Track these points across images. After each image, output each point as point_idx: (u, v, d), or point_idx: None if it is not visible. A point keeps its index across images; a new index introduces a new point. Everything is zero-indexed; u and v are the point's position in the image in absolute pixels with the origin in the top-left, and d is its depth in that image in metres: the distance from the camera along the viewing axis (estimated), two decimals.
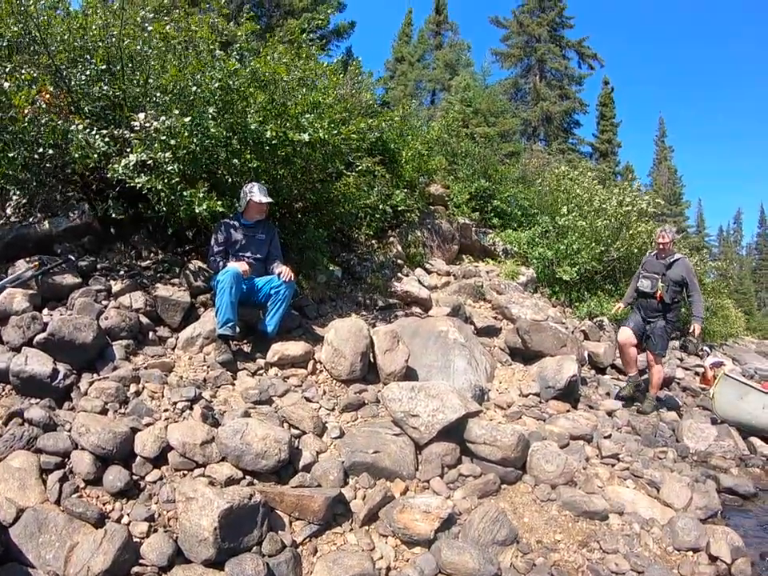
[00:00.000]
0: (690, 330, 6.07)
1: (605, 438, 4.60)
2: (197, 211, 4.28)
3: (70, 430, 3.11)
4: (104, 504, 2.85)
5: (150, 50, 4.98)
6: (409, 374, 4.56)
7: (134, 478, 3.01)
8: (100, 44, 4.90)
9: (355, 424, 3.91)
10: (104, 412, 3.31)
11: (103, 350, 3.80)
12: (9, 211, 4.78)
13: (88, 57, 4.91)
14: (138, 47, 4.95)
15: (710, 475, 4.44)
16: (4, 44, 4.78)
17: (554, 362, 5.53)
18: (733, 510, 4.13)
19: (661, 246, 6.08)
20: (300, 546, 2.92)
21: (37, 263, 4.23)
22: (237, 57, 5.31)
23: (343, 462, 3.42)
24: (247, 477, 3.16)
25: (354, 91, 7.30)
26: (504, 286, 7.71)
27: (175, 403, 3.53)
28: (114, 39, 4.87)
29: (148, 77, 4.93)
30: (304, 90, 5.45)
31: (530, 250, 9.13)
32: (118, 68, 4.90)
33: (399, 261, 7.10)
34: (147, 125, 4.27)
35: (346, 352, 4.32)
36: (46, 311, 3.99)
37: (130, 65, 5.01)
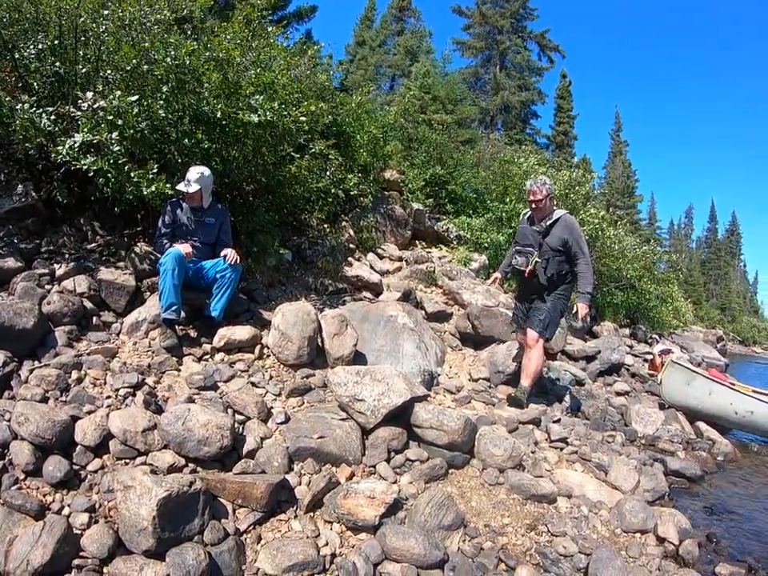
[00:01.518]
0: (573, 311, 4.81)
1: (553, 422, 4.68)
2: (144, 193, 4.18)
3: (9, 420, 3.00)
4: (44, 495, 2.78)
5: (105, 27, 4.80)
6: (357, 359, 4.58)
7: (75, 467, 2.94)
8: (53, 17, 4.71)
9: (301, 409, 3.89)
10: (44, 400, 3.23)
11: (45, 337, 3.70)
12: None
13: (39, 30, 4.73)
14: (94, 25, 4.76)
15: (658, 458, 4.58)
16: None
17: (504, 347, 5.61)
18: (680, 493, 4.26)
19: (534, 206, 4.83)
20: (244, 534, 2.89)
21: None
22: (193, 36, 5.21)
23: (288, 448, 3.39)
24: (190, 464, 3.11)
25: (309, 73, 7.21)
26: (456, 272, 7.79)
27: (117, 390, 3.47)
28: (67, 14, 4.66)
29: (101, 53, 4.78)
30: (258, 70, 5.35)
31: (483, 235, 9.23)
32: (70, 43, 4.71)
33: (351, 245, 7.10)
34: (94, 104, 4.13)
35: (293, 336, 4.31)
36: None
37: (83, 39, 4.82)
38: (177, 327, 4.19)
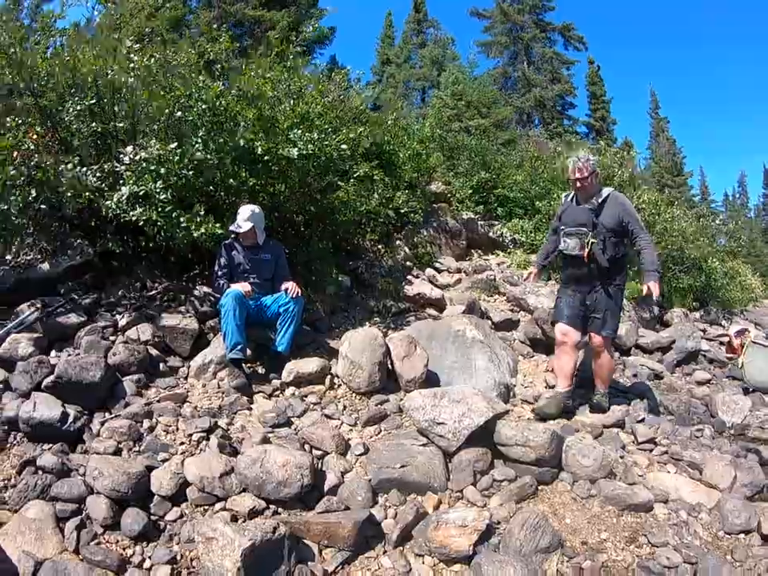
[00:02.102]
0: (645, 291, 4.24)
1: (638, 422, 4.39)
2: (195, 236, 4.21)
3: (84, 474, 2.99)
4: (124, 549, 2.72)
5: (135, 81, 4.90)
6: (430, 379, 4.43)
7: (153, 518, 2.88)
8: (89, 79, 4.83)
9: (379, 437, 3.76)
10: (117, 452, 3.20)
11: (113, 388, 3.71)
12: (9, 257, 4.72)
13: (76, 93, 4.85)
14: (124, 79, 4.85)
15: (751, 449, 4.18)
16: None
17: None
18: None
19: (579, 184, 4.34)
20: None
21: (40, 305, 4.16)
22: (221, 77, 5.26)
23: (370, 480, 3.25)
24: (271, 506, 3.00)
25: (342, 98, 7.20)
26: (517, 276, 7.54)
27: (190, 435, 3.41)
28: (101, 72, 4.79)
29: (135, 107, 4.86)
30: (291, 101, 5.36)
31: (537, 236, 8.94)
32: (107, 101, 4.83)
33: (408, 263, 7.00)
34: (136, 156, 4.22)
35: (362, 363, 4.20)
36: (53, 353, 3.92)
37: (118, 96, 4.93)
38: (244, 366, 4.16)
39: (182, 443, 3.37)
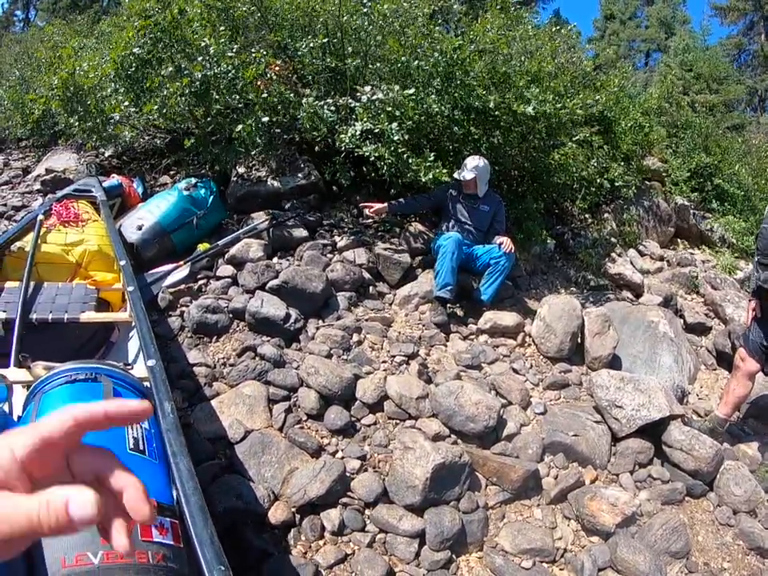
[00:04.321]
0: None
1: None
2: (423, 180, 4.44)
3: (297, 368, 3.40)
4: (321, 438, 3.09)
5: (369, 25, 5.19)
6: (613, 362, 4.39)
7: (352, 419, 3.24)
8: (320, 20, 5.26)
9: (558, 403, 3.87)
10: (329, 356, 3.57)
11: (328, 300, 4.11)
12: (241, 170, 5.31)
13: (309, 31, 5.28)
14: (359, 22, 5.19)
15: None
16: (229, 25, 5.34)
17: (761, 377, 4.76)
18: None
19: None
20: (490, 510, 3.02)
21: (270, 216, 4.69)
22: (454, 29, 5.36)
23: (543, 439, 3.41)
24: (452, 436, 3.28)
25: (574, 58, 6.93)
26: (720, 280, 6.90)
27: (393, 356, 3.74)
28: (333, 15, 5.16)
29: (368, 49, 5.17)
30: (522, 58, 5.37)
31: (746, 240, 8.07)
32: (336, 41, 5.16)
33: (612, 239, 6.72)
34: (373, 96, 4.50)
35: (557, 329, 4.26)
36: (275, 260, 4.39)
37: (348, 37, 5.26)
38: (446, 305, 4.40)
39: (384, 362, 3.71)
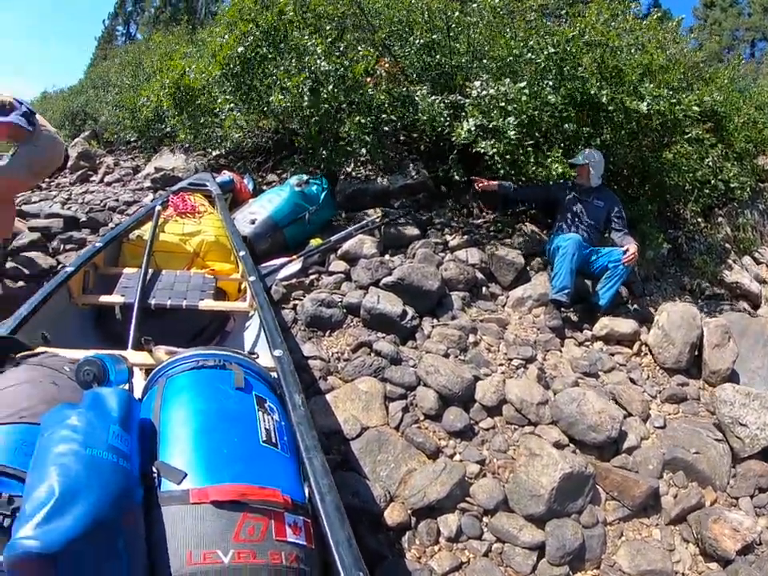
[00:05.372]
0: None
1: None
2: (553, 174, 4.37)
3: (414, 367, 3.36)
4: (439, 439, 3.03)
5: (477, 20, 5.14)
6: (732, 377, 4.12)
7: (471, 422, 3.16)
8: (423, 17, 5.25)
9: (676, 417, 3.67)
10: (446, 356, 3.51)
11: (442, 299, 4.06)
12: (349, 168, 5.36)
13: (411, 29, 5.28)
14: (467, 18, 5.15)
15: None
16: (335, 25, 5.43)
17: None
18: None
19: None
20: (608, 526, 2.88)
21: (382, 214, 4.71)
22: (563, 20, 5.25)
23: (664, 455, 3.25)
24: (571, 445, 3.16)
25: (684, 50, 6.60)
26: None
27: (510, 359, 3.66)
28: (439, 11, 5.14)
29: (475, 45, 5.10)
30: (632, 50, 5.15)
31: None
32: (443, 38, 5.13)
33: (727, 245, 6.34)
34: (483, 92, 4.43)
35: (676, 339, 4.05)
36: (387, 257, 4.38)
37: (454, 34, 5.22)
38: (560, 309, 4.28)
39: (501, 364, 3.63)
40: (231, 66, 5.44)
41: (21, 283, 4.46)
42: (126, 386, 1.78)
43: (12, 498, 1.17)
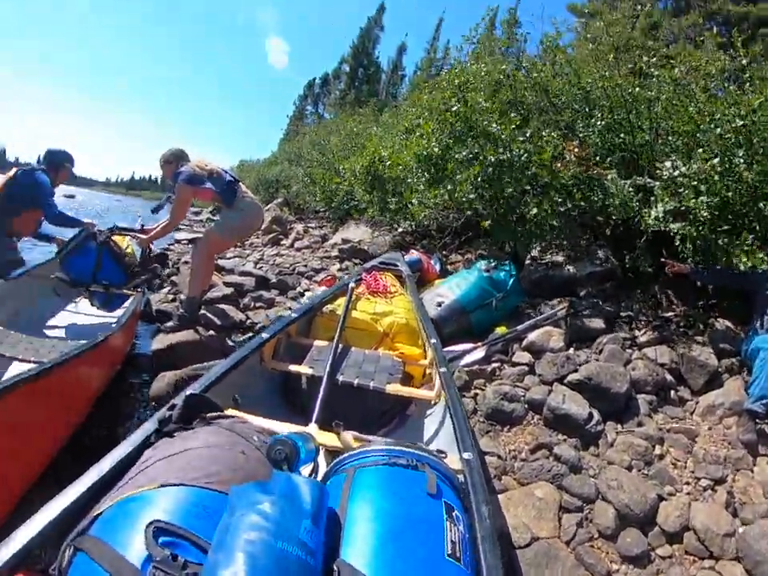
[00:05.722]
0: None
1: None
2: (738, 265, 4.03)
3: (595, 477, 3.18)
4: (611, 562, 2.81)
5: (657, 94, 4.97)
6: None
7: (648, 547, 2.89)
8: (604, 99, 5.20)
9: None
10: (629, 468, 3.31)
11: (629, 401, 3.84)
12: (535, 253, 5.37)
13: (589, 109, 5.24)
14: (647, 93, 5.00)
15: None
16: (522, 112, 5.55)
17: None
18: None
19: None
20: None
21: (567, 304, 4.62)
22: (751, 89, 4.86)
23: None
24: None
25: None
26: None
27: (698, 479, 3.33)
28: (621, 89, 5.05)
29: (658, 120, 4.92)
30: None
31: None
32: (623, 117, 5.02)
33: None
34: (675, 172, 4.22)
35: None
36: (572, 351, 4.24)
37: (636, 112, 5.07)
38: (756, 420, 3.83)
39: (687, 483, 3.32)
40: (427, 159, 5.76)
41: (211, 332, 4.92)
42: (311, 465, 1.76)
43: (186, 563, 1.16)
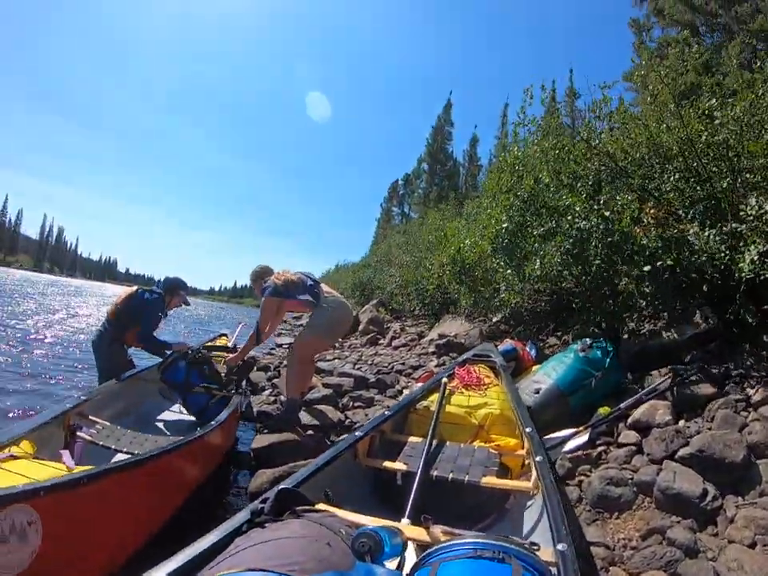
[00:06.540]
0: None
1: None
2: None
3: (713, 560, 2.83)
4: None
5: (729, 137, 4.80)
6: None
7: None
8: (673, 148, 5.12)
9: None
10: (752, 545, 2.90)
11: (747, 469, 3.43)
12: (632, 325, 5.15)
13: (661, 165, 5.15)
14: (714, 138, 4.86)
15: None
16: (590, 183, 5.53)
17: None
18: None
19: None
20: None
21: (671, 374, 4.35)
22: None
23: None
24: None
25: None
26: None
27: None
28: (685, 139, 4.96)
29: (733, 163, 4.74)
30: None
31: None
32: (696, 164, 4.91)
33: None
34: (759, 210, 4.02)
35: None
36: (682, 423, 3.95)
37: (709, 156, 4.96)
38: None
39: None
40: (500, 239, 5.89)
41: (310, 432, 5.05)
42: (398, 560, 1.77)
43: None
